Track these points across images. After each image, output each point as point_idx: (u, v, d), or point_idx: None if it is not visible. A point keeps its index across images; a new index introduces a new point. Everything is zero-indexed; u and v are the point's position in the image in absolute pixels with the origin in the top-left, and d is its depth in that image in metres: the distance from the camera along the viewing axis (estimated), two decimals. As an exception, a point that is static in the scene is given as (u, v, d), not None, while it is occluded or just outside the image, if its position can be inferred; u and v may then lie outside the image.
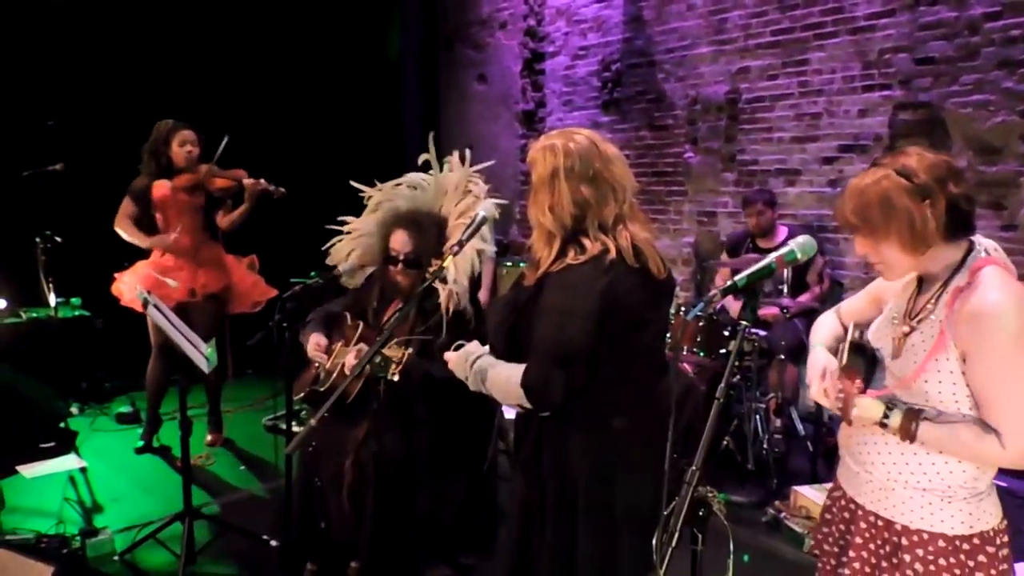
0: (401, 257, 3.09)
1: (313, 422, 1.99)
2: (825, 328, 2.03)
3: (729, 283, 1.67)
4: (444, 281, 2.87)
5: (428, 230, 3.12)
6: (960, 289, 1.64)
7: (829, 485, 2.02)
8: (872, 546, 1.79)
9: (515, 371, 1.99)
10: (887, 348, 1.77)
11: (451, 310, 2.93)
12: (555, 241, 2.01)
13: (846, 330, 1.93)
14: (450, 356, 2.16)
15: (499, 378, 2.03)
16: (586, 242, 1.97)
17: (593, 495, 2.05)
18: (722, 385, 1.61)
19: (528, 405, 2.00)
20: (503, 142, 7.50)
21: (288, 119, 6.48)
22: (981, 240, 1.72)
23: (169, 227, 4.43)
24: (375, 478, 2.90)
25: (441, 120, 8.07)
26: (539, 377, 1.95)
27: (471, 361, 2.09)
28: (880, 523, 1.78)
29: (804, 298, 4.61)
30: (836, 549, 1.91)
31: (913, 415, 1.65)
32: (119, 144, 5.40)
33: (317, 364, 3.19)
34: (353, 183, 3.38)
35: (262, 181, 4.46)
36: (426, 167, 3.31)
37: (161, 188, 4.39)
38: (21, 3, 5.52)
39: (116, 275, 4.48)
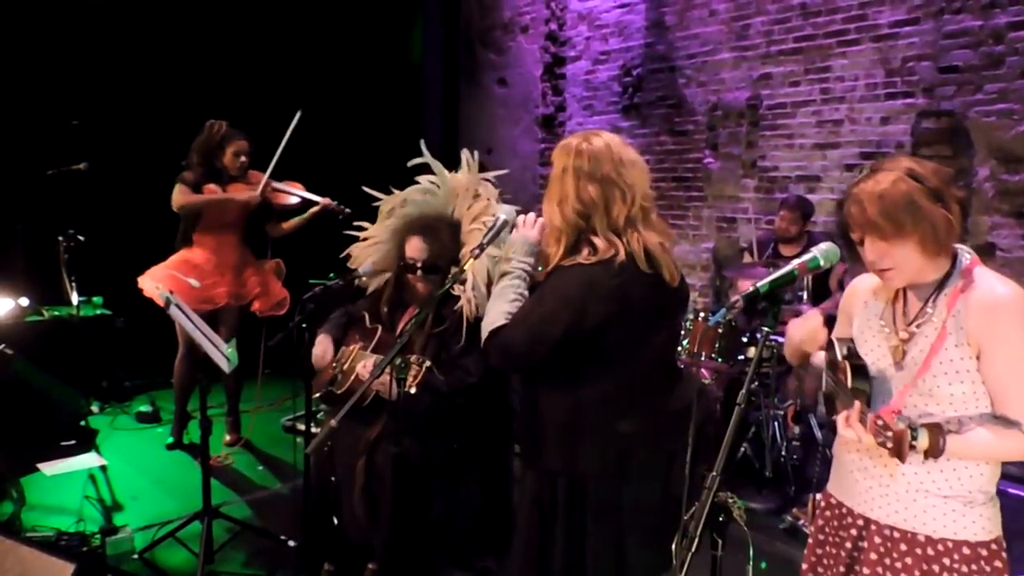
0: (419, 264, 3.09)
1: (334, 423, 2.01)
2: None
3: (751, 289, 1.67)
4: (463, 284, 2.88)
5: (443, 234, 3.13)
6: (960, 290, 1.68)
7: None
8: (888, 560, 1.76)
9: (501, 318, 2.04)
10: (886, 359, 1.77)
11: (471, 316, 2.94)
12: (563, 238, 2.05)
13: (831, 348, 1.86)
14: (524, 230, 2.15)
15: (498, 302, 2.08)
16: (597, 242, 2.00)
17: (601, 496, 2.08)
18: (743, 391, 1.60)
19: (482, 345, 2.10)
20: (523, 146, 7.52)
21: (309, 120, 6.48)
22: (959, 245, 1.75)
23: (213, 228, 4.46)
24: (392, 481, 2.91)
25: (461, 123, 8.10)
26: (505, 340, 2.02)
27: (513, 266, 2.11)
28: (896, 535, 1.76)
29: (825, 305, 4.58)
30: (841, 568, 1.85)
31: (938, 431, 1.61)
32: (142, 144, 5.48)
33: (334, 365, 3.22)
34: (366, 189, 3.39)
35: (328, 200, 4.51)
36: (421, 170, 3.32)
37: (213, 192, 4.41)
38: (46, 4, 5.59)
39: (146, 274, 4.49)
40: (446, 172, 3.28)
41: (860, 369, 1.73)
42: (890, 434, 1.56)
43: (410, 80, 7.71)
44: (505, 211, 2.21)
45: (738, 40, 5.75)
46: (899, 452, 1.56)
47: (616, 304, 1.95)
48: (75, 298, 5.21)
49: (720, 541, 1.57)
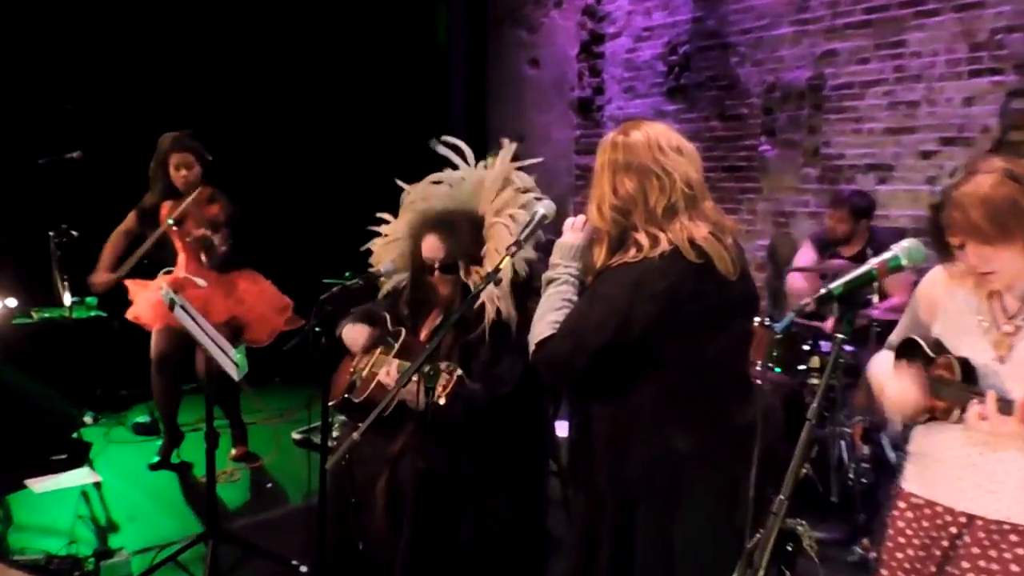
0: (436, 264, 3.09)
1: (356, 436, 2.02)
2: (887, 364, 2.12)
3: (824, 291, 1.65)
4: (498, 284, 2.87)
5: (461, 230, 3.12)
6: None
7: None
8: (994, 552, 1.88)
9: (548, 328, 2.07)
10: (988, 354, 1.89)
11: (493, 318, 2.94)
12: (606, 239, 2.09)
13: (917, 347, 2.00)
14: (571, 233, 2.17)
15: (546, 312, 2.11)
16: (640, 238, 2.02)
17: (652, 520, 2.07)
18: (814, 405, 1.59)
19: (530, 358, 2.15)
20: (556, 133, 7.50)
21: (329, 107, 6.56)
22: None
23: (179, 253, 4.52)
24: (415, 497, 2.92)
25: (489, 109, 8.09)
26: (550, 351, 2.06)
27: (559, 272, 2.14)
28: (1007, 527, 1.87)
29: (893, 302, 4.46)
30: (932, 568, 1.97)
31: None
32: (142, 131, 5.51)
33: (352, 371, 3.23)
34: (400, 183, 3.40)
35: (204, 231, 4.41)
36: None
37: (168, 210, 4.47)
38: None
39: (129, 287, 4.53)
40: (469, 165, 3.28)
41: (966, 363, 1.87)
42: None
43: (435, 63, 7.74)
44: (544, 205, 2.22)
45: (799, 12, 5.70)
46: None
47: (664, 303, 1.96)
48: (67, 299, 5.27)
49: (788, 574, 1.55)
